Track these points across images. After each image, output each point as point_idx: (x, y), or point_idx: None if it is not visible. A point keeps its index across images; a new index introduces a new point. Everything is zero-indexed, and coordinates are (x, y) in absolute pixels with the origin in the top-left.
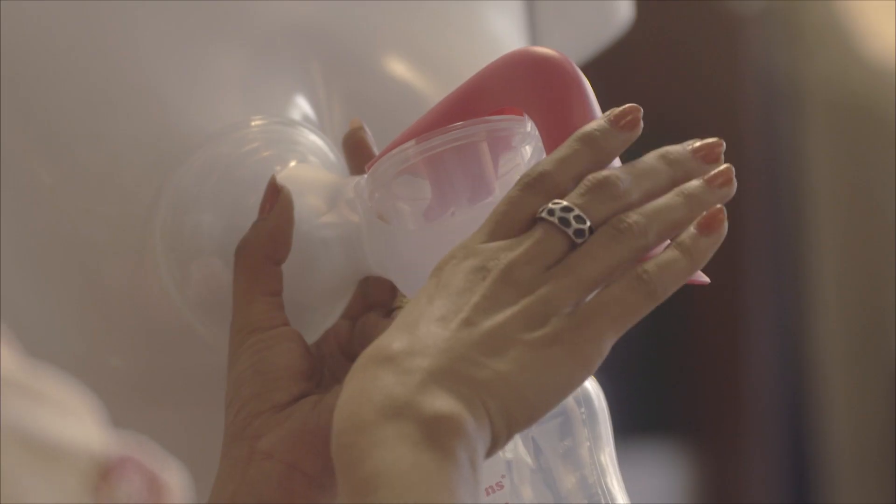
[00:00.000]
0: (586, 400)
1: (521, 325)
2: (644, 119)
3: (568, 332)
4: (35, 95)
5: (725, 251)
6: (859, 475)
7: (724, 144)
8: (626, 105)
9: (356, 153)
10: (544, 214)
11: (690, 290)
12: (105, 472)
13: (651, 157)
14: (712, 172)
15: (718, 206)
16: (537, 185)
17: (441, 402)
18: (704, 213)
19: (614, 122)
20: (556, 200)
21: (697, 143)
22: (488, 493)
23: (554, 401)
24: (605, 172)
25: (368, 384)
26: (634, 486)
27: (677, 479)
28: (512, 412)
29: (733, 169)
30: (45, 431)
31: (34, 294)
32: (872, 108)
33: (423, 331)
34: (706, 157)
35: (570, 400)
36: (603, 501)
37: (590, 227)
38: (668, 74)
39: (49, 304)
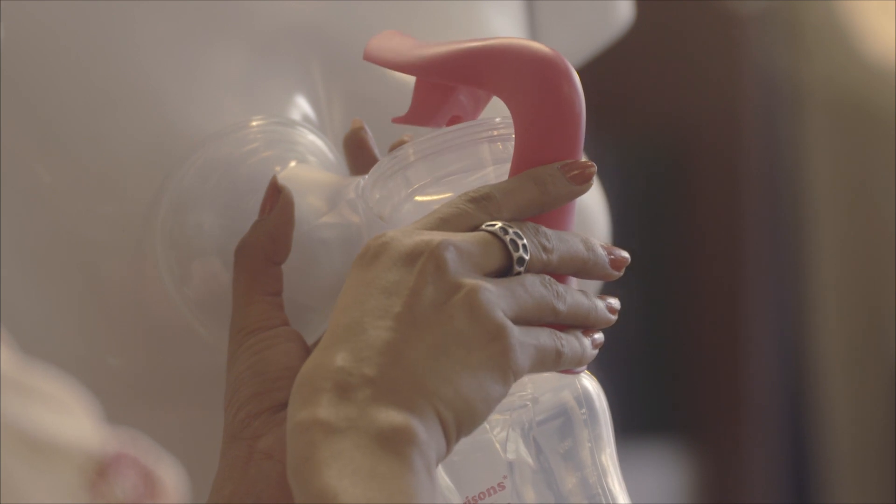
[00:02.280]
0: (588, 401)
1: (463, 316)
2: (645, 118)
3: (509, 337)
4: (35, 95)
5: (726, 251)
6: (859, 475)
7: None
8: (583, 160)
9: (358, 153)
10: (496, 229)
11: (691, 289)
12: (101, 469)
13: (577, 236)
14: (611, 301)
15: (601, 335)
16: (482, 202)
17: (394, 414)
18: (595, 326)
19: (564, 171)
20: (510, 224)
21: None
22: (490, 494)
23: (493, 405)
24: (539, 225)
25: (315, 401)
26: (634, 486)
27: (677, 479)
28: (460, 416)
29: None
30: (41, 428)
31: (34, 294)
32: (872, 108)
33: (363, 336)
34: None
35: (571, 400)
36: (604, 502)
37: (527, 265)
38: (669, 74)
39: (49, 304)
